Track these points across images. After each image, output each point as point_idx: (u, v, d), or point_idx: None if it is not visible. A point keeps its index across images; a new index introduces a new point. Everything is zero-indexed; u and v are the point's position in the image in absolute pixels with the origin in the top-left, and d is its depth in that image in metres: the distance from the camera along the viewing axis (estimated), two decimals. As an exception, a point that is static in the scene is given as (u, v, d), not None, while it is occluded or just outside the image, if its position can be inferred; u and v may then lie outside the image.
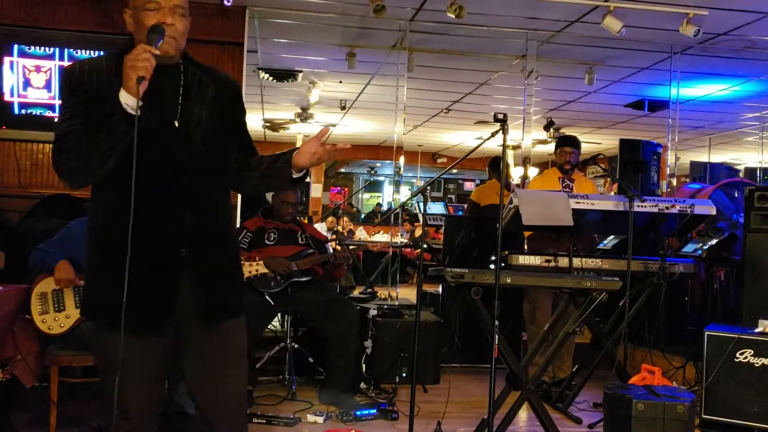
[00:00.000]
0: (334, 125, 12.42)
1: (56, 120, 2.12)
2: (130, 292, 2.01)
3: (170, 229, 2.11)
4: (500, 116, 3.32)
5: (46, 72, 5.36)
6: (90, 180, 2.14)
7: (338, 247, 5.96)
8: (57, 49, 5.37)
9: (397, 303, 6.06)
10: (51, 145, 2.08)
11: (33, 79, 5.34)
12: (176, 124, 2.13)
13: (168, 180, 2.10)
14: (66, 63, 5.35)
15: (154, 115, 2.05)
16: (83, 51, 5.37)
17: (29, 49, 5.36)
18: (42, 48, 5.36)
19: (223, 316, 2.23)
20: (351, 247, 5.69)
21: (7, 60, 5.34)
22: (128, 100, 1.95)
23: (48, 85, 5.37)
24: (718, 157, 12.37)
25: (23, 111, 5.35)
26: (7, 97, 5.36)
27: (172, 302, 2.13)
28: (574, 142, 5.38)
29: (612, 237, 5.69)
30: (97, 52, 5.36)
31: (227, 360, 2.26)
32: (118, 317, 2.01)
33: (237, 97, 2.33)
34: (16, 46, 5.34)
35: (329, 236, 9.23)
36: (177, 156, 2.12)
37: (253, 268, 4.45)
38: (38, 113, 5.37)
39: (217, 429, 2.26)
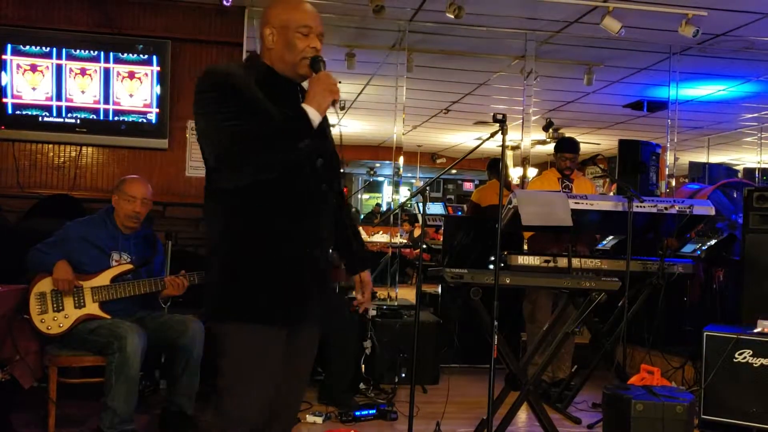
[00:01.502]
0: (333, 126, 12.40)
1: (216, 118, 2.10)
2: (279, 290, 2.13)
3: (310, 231, 2.17)
4: (499, 117, 3.33)
5: (42, 71, 5.31)
6: (260, 177, 2.14)
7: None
8: (54, 48, 5.32)
9: (396, 303, 6.05)
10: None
11: (28, 78, 5.30)
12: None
13: (313, 184, 2.18)
14: (64, 61, 5.33)
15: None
16: (82, 50, 5.35)
17: (24, 47, 5.31)
18: (38, 46, 5.30)
19: (325, 320, 2.32)
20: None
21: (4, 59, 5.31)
22: (315, 117, 2.13)
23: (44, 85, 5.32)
24: (717, 157, 12.37)
25: (17, 111, 5.30)
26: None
27: (308, 301, 2.21)
28: (574, 148, 5.35)
29: (611, 237, 5.69)
30: (96, 51, 5.36)
31: (306, 369, 2.37)
32: (272, 314, 2.13)
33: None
34: (9, 45, 5.25)
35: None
36: (318, 162, 2.22)
37: None
38: (33, 114, 5.33)
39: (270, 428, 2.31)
